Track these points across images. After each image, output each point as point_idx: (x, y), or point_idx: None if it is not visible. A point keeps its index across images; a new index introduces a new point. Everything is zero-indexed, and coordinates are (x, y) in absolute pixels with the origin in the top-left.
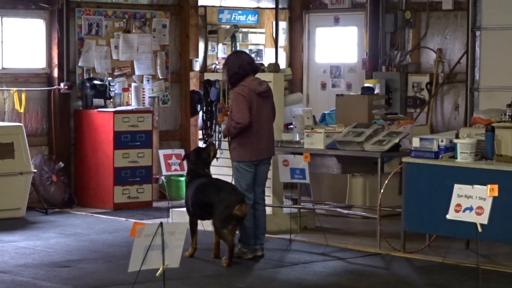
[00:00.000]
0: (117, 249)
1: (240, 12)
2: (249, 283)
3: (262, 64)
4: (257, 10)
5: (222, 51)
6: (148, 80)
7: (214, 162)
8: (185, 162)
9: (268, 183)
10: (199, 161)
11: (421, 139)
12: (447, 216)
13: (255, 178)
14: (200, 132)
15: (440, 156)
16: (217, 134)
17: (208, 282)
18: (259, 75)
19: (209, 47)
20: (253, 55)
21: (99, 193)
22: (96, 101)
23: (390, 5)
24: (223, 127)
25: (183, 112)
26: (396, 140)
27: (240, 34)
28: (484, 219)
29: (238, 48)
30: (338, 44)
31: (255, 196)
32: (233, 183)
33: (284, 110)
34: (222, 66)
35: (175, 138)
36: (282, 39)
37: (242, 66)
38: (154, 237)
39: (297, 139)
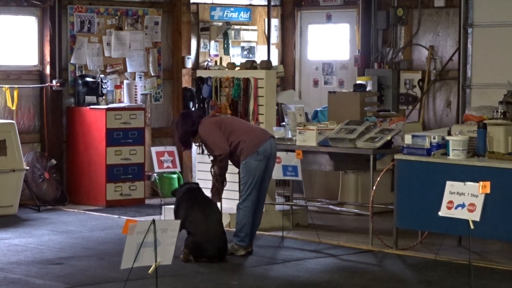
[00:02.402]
0: (109, 246)
1: (232, 9)
2: (241, 280)
3: (254, 61)
4: (249, 7)
5: (214, 48)
6: (140, 77)
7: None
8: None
9: None
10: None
11: (413, 136)
12: (439, 213)
13: (264, 173)
14: None
15: (432, 153)
16: None
17: (201, 279)
18: (251, 73)
19: (202, 44)
20: (245, 52)
21: (91, 190)
22: (88, 98)
23: (382, 2)
24: (213, 170)
25: (176, 109)
26: (388, 137)
27: (232, 31)
28: (476, 216)
29: (230, 46)
30: (330, 41)
31: (260, 194)
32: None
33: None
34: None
35: (168, 135)
36: (274, 36)
37: (192, 122)
38: (147, 234)
39: (289, 136)
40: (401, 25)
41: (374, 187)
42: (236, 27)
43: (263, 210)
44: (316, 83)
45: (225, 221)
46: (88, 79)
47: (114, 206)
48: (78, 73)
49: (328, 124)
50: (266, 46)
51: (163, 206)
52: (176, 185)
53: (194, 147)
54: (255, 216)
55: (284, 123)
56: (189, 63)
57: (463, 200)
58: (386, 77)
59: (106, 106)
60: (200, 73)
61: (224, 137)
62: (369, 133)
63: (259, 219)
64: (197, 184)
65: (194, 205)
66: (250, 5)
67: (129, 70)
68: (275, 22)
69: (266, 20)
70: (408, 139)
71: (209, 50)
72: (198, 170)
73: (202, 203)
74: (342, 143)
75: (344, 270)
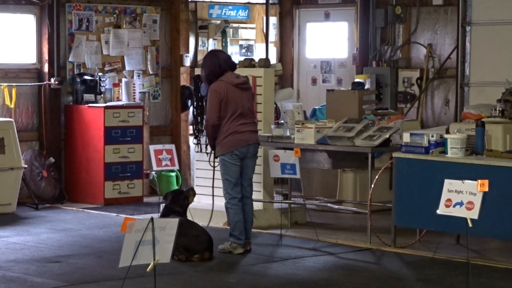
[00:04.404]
0: (107, 245)
1: (230, 7)
2: (240, 278)
3: (252, 59)
4: (247, 6)
5: (212, 47)
6: (138, 76)
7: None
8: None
9: (259, 178)
10: (175, 202)
11: (411, 134)
12: (438, 211)
13: (241, 172)
14: (190, 127)
15: (431, 151)
16: None
17: (199, 278)
18: (249, 71)
19: (200, 43)
20: (243, 50)
21: (89, 188)
22: (87, 96)
23: (380, 1)
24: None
25: (174, 108)
26: (387, 135)
27: (231, 30)
28: (474, 214)
29: (228, 44)
30: (328, 40)
31: (242, 190)
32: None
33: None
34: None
35: (166, 134)
36: (273, 34)
37: (218, 64)
38: (145, 232)
39: (288, 134)
40: (400, 23)
41: (372, 185)
42: (234, 25)
43: (262, 208)
44: (314, 81)
45: (223, 220)
46: (86, 77)
47: (112, 204)
48: (76, 71)
49: (327, 122)
50: (264, 44)
51: (161, 204)
52: (175, 184)
53: (193, 146)
54: (245, 213)
55: (282, 121)
56: (188, 61)
57: (461, 198)
58: (384, 75)
59: (104, 104)
60: (198, 71)
61: (219, 111)
62: (367, 131)
63: (251, 215)
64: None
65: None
66: (249, 3)
67: (127, 68)
68: (273, 20)
69: (265, 18)
70: (406, 137)
71: (207, 48)
72: (197, 168)
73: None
74: (341, 141)
75: (343, 268)
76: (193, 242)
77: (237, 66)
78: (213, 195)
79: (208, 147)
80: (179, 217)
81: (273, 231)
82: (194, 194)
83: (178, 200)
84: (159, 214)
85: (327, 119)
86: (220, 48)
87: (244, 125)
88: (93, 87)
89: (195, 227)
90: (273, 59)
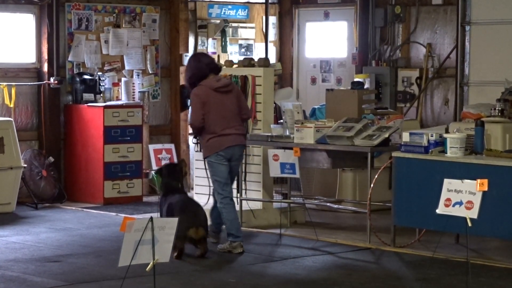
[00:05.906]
0: (107, 244)
1: (230, 6)
2: (239, 277)
3: (252, 59)
4: (247, 5)
5: (212, 46)
6: (138, 75)
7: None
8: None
9: (258, 177)
10: (171, 175)
11: (411, 134)
12: (437, 211)
13: (229, 171)
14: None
15: (430, 150)
16: None
17: (198, 277)
18: (248, 71)
19: (199, 42)
20: (243, 50)
21: (89, 188)
22: (86, 96)
23: (380, 0)
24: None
25: (173, 107)
26: (386, 135)
27: (230, 29)
28: (473, 213)
29: (228, 43)
30: (328, 39)
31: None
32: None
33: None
34: None
35: (165, 133)
36: (272, 34)
37: (199, 68)
38: (144, 232)
39: (287, 133)
40: (399, 22)
41: (372, 185)
42: (234, 24)
43: (261, 208)
44: (313, 80)
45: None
46: (85, 76)
47: (111, 204)
48: (75, 71)
49: (326, 121)
50: (264, 44)
51: (160, 204)
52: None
53: (192, 145)
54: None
55: (282, 121)
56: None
57: (461, 197)
58: (384, 75)
59: (103, 104)
60: None
61: (203, 113)
62: (366, 130)
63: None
64: (174, 167)
65: (171, 206)
66: (248, 2)
67: (126, 67)
68: (273, 19)
69: (264, 17)
70: (405, 137)
71: (206, 47)
72: (196, 168)
73: (177, 200)
74: (340, 141)
75: (342, 267)
76: (189, 217)
77: (221, 69)
78: (213, 194)
79: None
80: (181, 194)
81: (272, 230)
82: (186, 165)
83: (174, 172)
84: (160, 194)
85: (326, 118)
86: (220, 47)
87: (228, 128)
88: (92, 87)
89: (193, 203)
90: (272, 59)
